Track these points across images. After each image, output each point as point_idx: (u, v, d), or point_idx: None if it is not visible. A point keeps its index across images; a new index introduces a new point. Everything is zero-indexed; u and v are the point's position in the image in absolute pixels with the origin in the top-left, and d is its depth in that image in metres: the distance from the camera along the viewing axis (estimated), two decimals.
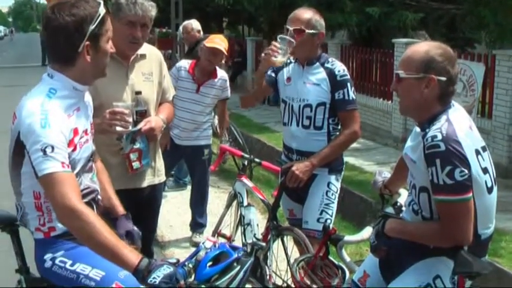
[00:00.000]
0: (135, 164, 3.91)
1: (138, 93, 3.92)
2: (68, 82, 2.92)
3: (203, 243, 2.88)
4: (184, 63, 6.14)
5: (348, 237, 3.50)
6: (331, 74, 4.24)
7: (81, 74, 2.94)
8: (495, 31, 10.78)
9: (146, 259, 2.63)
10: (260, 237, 4.58)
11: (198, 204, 6.56)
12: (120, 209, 3.35)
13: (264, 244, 4.18)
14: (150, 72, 4.07)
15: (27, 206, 3.00)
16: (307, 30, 4.17)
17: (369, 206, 7.06)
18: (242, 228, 4.76)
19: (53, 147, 2.71)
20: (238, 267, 2.81)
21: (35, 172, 2.75)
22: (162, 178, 4.33)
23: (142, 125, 3.85)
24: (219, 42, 5.91)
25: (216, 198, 7.90)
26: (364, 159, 9.72)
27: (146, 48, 4.10)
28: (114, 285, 2.81)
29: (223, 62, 9.59)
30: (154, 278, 2.55)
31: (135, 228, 3.33)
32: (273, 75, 4.47)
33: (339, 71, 4.24)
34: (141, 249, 4.03)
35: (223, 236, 5.33)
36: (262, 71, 4.35)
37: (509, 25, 10.18)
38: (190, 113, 6.06)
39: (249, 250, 3.77)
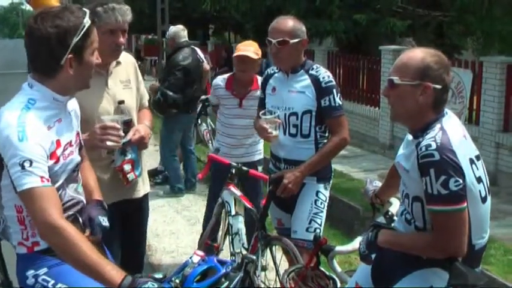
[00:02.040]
0: (130, 176, 3.82)
1: (121, 102, 3.82)
2: (48, 93, 2.83)
3: (190, 258, 2.81)
4: (219, 81, 5.80)
5: (339, 248, 3.43)
6: (316, 80, 4.18)
7: (63, 86, 2.85)
8: (482, 38, 10.82)
9: (129, 277, 2.55)
10: (248, 247, 4.52)
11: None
12: (96, 194, 3.22)
13: (254, 257, 4.10)
14: (128, 80, 3.98)
15: (9, 220, 2.91)
16: (291, 41, 4.12)
17: (357, 213, 7.02)
18: (230, 237, 4.68)
19: (31, 162, 2.63)
20: (227, 282, 2.74)
21: (14, 187, 2.67)
22: (149, 187, 4.26)
23: (131, 135, 3.74)
24: (244, 48, 5.50)
25: (204, 206, 7.68)
26: (351, 166, 9.70)
27: (121, 55, 3.99)
28: None
29: (208, 69, 9.60)
30: None
31: (100, 218, 3.08)
32: (262, 96, 4.49)
33: (323, 78, 4.18)
34: (133, 261, 3.98)
35: (211, 245, 5.25)
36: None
37: (495, 32, 10.22)
38: (237, 129, 5.63)
39: (238, 263, 3.68)
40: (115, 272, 2.56)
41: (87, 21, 2.81)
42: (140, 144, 3.83)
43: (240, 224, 4.68)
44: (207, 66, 9.24)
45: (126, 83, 3.96)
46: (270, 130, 4.19)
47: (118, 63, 3.93)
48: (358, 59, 12.64)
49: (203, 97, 9.26)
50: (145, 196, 4.18)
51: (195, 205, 7.90)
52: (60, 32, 2.75)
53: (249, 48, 5.44)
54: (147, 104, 4.22)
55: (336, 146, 4.25)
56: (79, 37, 2.78)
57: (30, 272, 2.89)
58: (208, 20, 24.98)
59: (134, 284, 2.51)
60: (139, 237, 4.26)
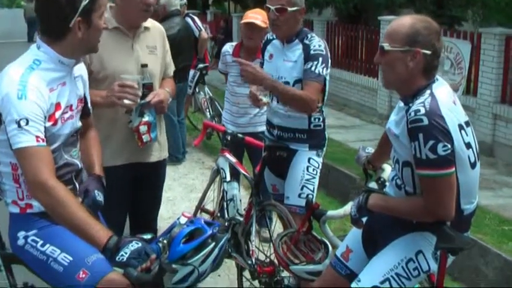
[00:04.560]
0: (145, 137, 3.85)
1: (144, 65, 3.87)
2: (55, 55, 2.87)
3: (178, 219, 2.85)
4: (228, 48, 5.87)
5: (330, 212, 3.48)
6: (306, 49, 4.14)
7: (70, 48, 2.89)
8: (481, 10, 10.78)
9: (115, 237, 2.60)
10: (243, 212, 4.56)
11: None
12: (97, 168, 3.25)
13: (241, 219, 4.16)
14: (154, 46, 4.03)
15: (4, 176, 2.95)
16: (289, 8, 4.10)
17: (353, 182, 7.06)
18: (225, 203, 4.72)
19: (27, 120, 2.67)
20: (213, 243, 2.77)
21: (9, 144, 2.72)
22: (166, 153, 4.29)
23: (151, 98, 3.79)
24: (253, 16, 5.48)
25: (201, 174, 7.87)
26: (349, 136, 9.73)
27: (149, 22, 4.06)
28: (80, 273, 2.75)
29: (206, 37, 9.56)
30: (122, 255, 2.53)
31: (99, 195, 3.12)
32: (262, 61, 4.47)
33: (314, 46, 4.13)
34: (146, 226, 4.03)
35: (207, 211, 5.31)
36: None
37: (495, 4, 10.18)
38: (242, 97, 5.62)
39: (226, 225, 3.74)
40: (101, 233, 2.61)
41: None
42: (158, 107, 3.87)
43: (234, 190, 4.71)
44: (205, 34, 9.19)
45: (152, 49, 4.00)
46: (260, 97, 4.19)
47: (146, 28, 4.00)
48: (357, 29, 12.58)
49: (201, 65, 9.25)
50: (161, 162, 4.21)
51: (192, 173, 7.95)
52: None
53: (257, 16, 5.45)
54: (171, 74, 4.26)
55: (300, 95, 4.08)
56: (87, 1, 2.81)
57: (21, 233, 2.94)
58: None
59: (120, 243, 2.56)
60: (152, 201, 4.32)
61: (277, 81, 4.14)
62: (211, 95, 9.87)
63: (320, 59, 4.10)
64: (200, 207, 5.27)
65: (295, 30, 4.22)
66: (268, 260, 4.33)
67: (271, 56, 4.35)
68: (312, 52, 4.11)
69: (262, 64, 4.46)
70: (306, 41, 4.17)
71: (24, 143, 2.67)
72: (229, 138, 4.86)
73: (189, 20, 8.56)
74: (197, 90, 9.76)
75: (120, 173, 3.84)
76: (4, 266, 3.21)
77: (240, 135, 4.89)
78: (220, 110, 9.41)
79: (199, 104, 9.99)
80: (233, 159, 4.79)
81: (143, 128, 3.85)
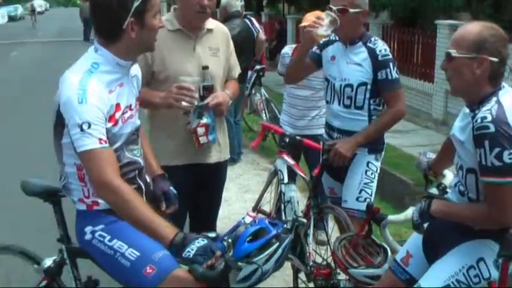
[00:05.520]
0: (202, 139, 3.89)
1: (205, 67, 3.90)
2: (112, 57, 2.93)
3: (243, 219, 2.89)
4: (287, 50, 5.94)
5: (391, 217, 3.47)
6: (373, 53, 4.17)
7: (126, 49, 2.94)
8: None
9: (182, 233, 2.65)
10: (300, 214, 4.58)
11: None
12: (156, 168, 3.36)
13: (305, 220, 4.18)
14: (217, 48, 4.06)
15: (70, 176, 3.03)
16: (351, 10, 4.11)
17: (407, 187, 7.03)
18: (282, 205, 4.75)
19: (89, 124, 2.74)
20: (277, 243, 2.77)
21: (73, 147, 2.80)
22: (227, 155, 4.33)
23: (210, 100, 3.83)
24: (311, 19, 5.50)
25: (256, 175, 7.93)
26: (403, 141, 9.66)
27: (213, 24, 4.11)
28: (147, 268, 2.81)
29: (264, 39, 9.61)
30: (188, 251, 2.57)
31: (172, 188, 3.34)
32: (318, 51, 4.42)
33: (380, 51, 4.17)
34: (206, 225, 4.10)
35: (263, 212, 5.33)
36: (305, 44, 4.28)
37: None
38: (300, 99, 5.71)
39: (289, 226, 3.76)
40: (168, 229, 2.67)
41: None
42: (217, 110, 3.90)
43: (292, 192, 4.73)
44: (262, 36, 9.23)
45: (215, 51, 4.04)
46: (324, 23, 4.03)
47: (209, 30, 4.04)
48: (414, 33, 12.49)
49: (258, 67, 9.30)
50: (222, 163, 4.25)
51: (247, 173, 8.02)
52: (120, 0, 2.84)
53: None
54: (235, 76, 4.29)
55: (391, 119, 4.25)
56: (140, 1, 2.85)
57: (88, 228, 3.01)
58: None
59: (186, 240, 2.61)
60: (212, 202, 4.38)
61: (364, 131, 4.21)
62: (267, 96, 9.91)
63: (390, 64, 4.15)
64: (257, 208, 5.31)
65: (358, 33, 4.24)
66: (325, 262, 4.35)
67: (333, 57, 4.35)
68: (380, 58, 4.14)
69: (313, 54, 4.44)
70: (370, 45, 4.19)
71: (87, 146, 2.74)
72: (287, 140, 4.88)
73: (247, 21, 8.62)
74: (253, 91, 9.81)
75: (180, 173, 3.89)
76: (69, 259, 3.33)
77: (298, 137, 4.91)
78: (276, 111, 9.47)
79: (254, 106, 10.05)
80: (291, 161, 4.82)
81: (201, 130, 3.89)
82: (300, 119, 5.69)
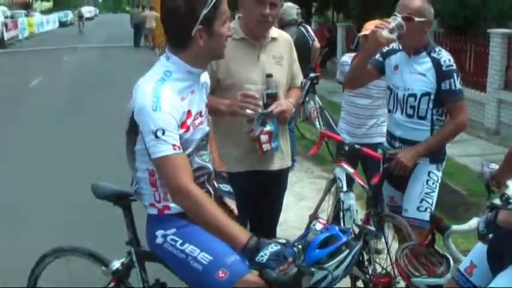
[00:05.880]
0: (266, 146, 3.94)
1: (269, 75, 3.95)
2: (183, 65, 2.98)
3: (314, 225, 2.93)
4: (346, 58, 6.00)
5: (456, 227, 3.49)
6: (437, 64, 4.18)
7: (196, 57, 2.99)
8: None
9: (255, 238, 2.71)
10: (359, 223, 4.61)
11: None
12: (216, 164, 3.42)
13: (373, 229, 4.21)
14: (280, 56, 4.11)
15: (142, 181, 3.10)
16: (416, 18, 4.11)
17: (461, 198, 7.00)
18: (341, 213, 4.79)
19: (163, 131, 2.80)
20: (347, 251, 2.81)
21: (148, 153, 2.87)
22: (289, 163, 4.38)
23: (274, 108, 3.88)
24: (371, 28, 5.38)
25: (310, 183, 7.98)
26: (456, 151, 9.58)
27: (277, 32, 4.17)
28: (220, 272, 2.84)
29: (319, 47, 9.64)
30: (261, 256, 2.64)
31: (224, 186, 3.40)
32: (381, 59, 4.43)
33: (444, 61, 4.18)
34: (266, 231, 4.16)
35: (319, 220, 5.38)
36: (369, 47, 4.25)
37: None
38: (359, 108, 5.75)
39: (357, 234, 3.79)
40: (242, 233, 2.74)
41: None
42: (280, 118, 3.95)
43: (351, 201, 4.77)
44: (317, 44, 9.24)
45: (279, 59, 4.09)
46: (390, 26, 3.99)
47: (274, 39, 4.10)
48: (466, 41, 12.40)
49: (312, 75, 9.33)
50: (284, 170, 4.30)
51: (301, 181, 8.06)
52: (188, 3, 2.88)
53: None
54: (298, 84, 4.33)
55: (453, 130, 4.27)
56: (208, 9, 2.89)
57: (160, 232, 3.07)
58: None
59: (259, 245, 2.67)
60: (273, 208, 4.41)
61: (426, 142, 4.24)
62: (321, 104, 9.92)
63: (454, 74, 4.17)
64: (315, 216, 5.36)
65: (422, 42, 4.25)
66: (384, 271, 4.37)
67: (396, 67, 4.36)
68: (444, 68, 4.16)
69: (376, 61, 4.44)
70: (434, 55, 4.20)
71: (162, 152, 2.81)
72: (346, 148, 4.92)
73: (302, 29, 8.66)
74: (307, 99, 9.85)
75: (243, 179, 3.95)
76: (138, 262, 3.40)
77: (357, 145, 4.94)
78: (330, 119, 9.48)
79: (307, 114, 10.07)
80: (350, 170, 4.85)
81: (264, 137, 3.94)
82: (359, 127, 5.72)
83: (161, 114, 2.82)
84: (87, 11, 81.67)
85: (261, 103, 3.80)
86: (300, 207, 6.89)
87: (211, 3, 2.90)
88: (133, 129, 2.96)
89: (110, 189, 3.51)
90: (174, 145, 2.83)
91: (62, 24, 61.25)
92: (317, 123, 9.71)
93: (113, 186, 3.53)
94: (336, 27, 20.45)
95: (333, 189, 5.21)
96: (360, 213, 4.91)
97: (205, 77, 3.25)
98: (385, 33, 3.97)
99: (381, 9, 17.28)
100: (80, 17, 50.94)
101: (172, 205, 3.04)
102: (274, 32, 4.14)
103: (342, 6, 22.80)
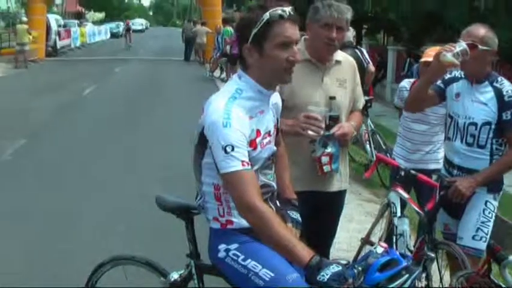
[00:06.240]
0: (326, 168, 3.98)
1: (332, 98, 4.00)
2: (253, 84, 3.04)
3: (375, 249, 2.96)
4: (405, 84, 6.02)
5: None
6: (499, 93, 4.19)
7: (257, 77, 3.05)
8: None
9: (318, 257, 2.73)
10: (412, 248, 4.62)
11: None
12: (288, 191, 3.47)
13: (433, 255, 4.22)
14: (344, 79, 4.15)
15: (207, 195, 3.15)
16: (480, 46, 4.11)
17: (509, 229, 6.91)
18: (394, 238, 4.80)
19: (233, 147, 2.85)
20: (407, 275, 2.81)
21: (216, 168, 2.92)
22: (347, 185, 4.41)
23: (336, 130, 3.92)
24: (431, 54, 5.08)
25: (358, 205, 7.98)
26: (507, 181, 9.46)
27: (342, 56, 4.22)
28: None
29: (373, 70, 9.64)
30: (323, 275, 2.65)
31: (293, 213, 3.42)
32: (442, 86, 4.44)
33: (507, 91, 4.18)
34: (320, 252, 4.20)
35: (372, 244, 5.39)
36: (431, 69, 4.23)
37: None
38: (416, 134, 5.73)
39: (417, 259, 3.79)
40: (305, 251, 2.75)
41: (266, 15, 2.94)
42: (342, 140, 3.99)
43: (405, 226, 4.77)
44: (372, 67, 9.27)
45: (342, 82, 4.13)
46: (454, 51, 3.94)
47: (338, 62, 4.15)
48: None
49: (366, 98, 9.32)
50: (341, 192, 4.34)
51: (350, 203, 7.98)
52: (244, 23, 3.02)
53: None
54: (360, 107, 4.36)
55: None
56: (257, 28, 2.94)
57: (222, 246, 3.12)
58: (362, 19, 24.81)
59: (321, 264, 2.69)
60: (329, 229, 4.45)
61: (485, 171, 4.25)
62: (373, 127, 9.90)
63: None
64: (367, 240, 5.37)
65: (485, 71, 4.27)
66: None
67: (458, 95, 4.37)
68: (506, 99, 4.17)
69: (437, 87, 4.44)
70: (497, 85, 4.22)
71: (231, 168, 2.86)
72: (402, 173, 4.94)
73: (358, 52, 8.69)
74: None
75: (301, 199, 3.98)
76: (197, 275, 3.46)
77: (412, 171, 4.96)
78: (382, 144, 9.46)
79: (358, 136, 10.08)
80: (406, 195, 4.87)
81: (325, 159, 3.97)
82: (414, 152, 5.71)
83: (231, 130, 2.88)
84: (139, 23, 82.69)
85: (323, 125, 3.84)
86: (348, 229, 6.88)
87: (262, 23, 2.95)
88: (202, 143, 3.02)
89: (174, 202, 3.58)
90: (243, 161, 2.88)
91: (113, 35, 62.09)
92: (367, 146, 9.67)
93: (177, 199, 3.60)
94: (387, 50, 20.37)
95: (386, 213, 5.21)
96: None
97: (276, 98, 3.31)
98: (449, 56, 3.95)
99: (430, 33, 17.27)
100: (127, 30, 46.21)
101: (235, 220, 3.10)
102: (339, 55, 4.19)
103: (393, 29, 22.76)
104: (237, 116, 2.92)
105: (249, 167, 2.90)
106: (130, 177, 9.05)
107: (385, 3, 16.85)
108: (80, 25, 48.25)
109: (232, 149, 2.86)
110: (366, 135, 9.76)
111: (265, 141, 3.11)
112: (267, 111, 3.15)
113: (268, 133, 3.16)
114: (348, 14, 3.97)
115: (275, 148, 3.28)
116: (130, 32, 45.42)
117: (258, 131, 3.05)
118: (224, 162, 2.87)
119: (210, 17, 32.44)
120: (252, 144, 3.00)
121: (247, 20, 3.02)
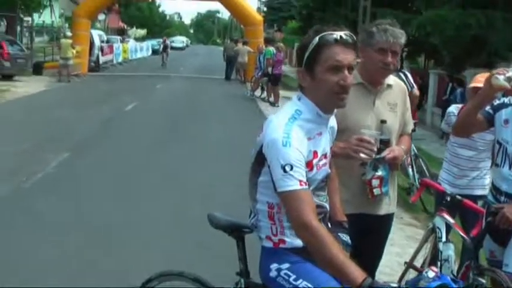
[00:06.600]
0: (376, 191, 4.04)
1: (383, 121, 4.05)
2: (312, 107, 3.10)
3: (426, 273, 2.97)
4: (453, 109, 6.04)
5: None
6: None
7: (313, 100, 3.11)
8: None
9: (370, 279, 2.76)
10: (456, 274, 4.61)
11: None
12: (339, 213, 3.52)
13: (484, 281, 4.21)
14: (395, 103, 4.20)
15: (260, 213, 3.21)
16: None
17: None
18: (439, 263, 4.79)
19: (292, 166, 2.91)
20: None
21: (274, 186, 2.98)
22: (395, 208, 4.44)
23: (386, 153, 3.96)
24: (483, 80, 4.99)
25: (400, 229, 7.95)
26: None
27: (393, 80, 4.27)
28: None
29: (418, 95, 9.62)
30: None
31: (344, 236, 3.46)
32: (491, 112, 4.42)
33: None
34: (367, 274, 4.21)
35: (415, 268, 5.39)
36: (482, 92, 4.19)
37: None
38: (462, 159, 5.75)
39: (468, 285, 3.79)
40: (357, 272, 2.78)
41: (316, 39, 3.01)
42: (392, 164, 4.04)
43: (450, 251, 4.78)
44: (417, 92, 9.25)
45: (393, 106, 4.19)
46: (507, 75, 3.92)
47: (389, 86, 4.20)
48: None
49: None
50: (389, 215, 4.38)
51: (392, 227, 8.01)
52: (300, 47, 3.10)
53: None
54: (409, 131, 4.41)
55: None
56: (309, 52, 3.03)
57: (274, 265, 3.16)
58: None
59: (373, 285, 2.73)
60: (376, 252, 4.48)
61: None
62: (416, 151, 9.86)
63: None
64: (410, 264, 5.37)
65: None
66: None
67: (506, 121, 4.36)
68: None
69: (486, 112, 4.40)
70: None
71: (289, 186, 2.91)
72: (448, 199, 4.94)
73: (402, 75, 8.70)
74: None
75: (350, 221, 4.00)
76: None
77: (458, 197, 4.96)
78: (424, 167, 9.42)
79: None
80: (451, 220, 4.87)
81: (375, 182, 4.02)
82: (460, 178, 5.71)
83: (291, 150, 2.94)
84: (180, 41, 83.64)
85: (375, 148, 3.85)
86: (391, 252, 6.85)
87: (313, 47, 3.03)
88: (259, 161, 3.09)
89: (225, 220, 3.64)
90: (300, 181, 2.93)
91: (155, 52, 62.65)
92: (410, 170, 9.63)
93: (229, 218, 3.66)
94: (428, 74, 20.28)
95: (430, 238, 5.21)
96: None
97: (333, 122, 3.37)
98: (501, 79, 3.93)
99: (472, 57, 17.13)
100: (165, 47, 44.67)
101: (287, 239, 3.15)
102: (391, 79, 4.23)
103: (434, 53, 22.63)
104: (296, 136, 2.98)
105: (307, 186, 2.96)
106: (171, 193, 9.16)
107: (429, 28, 16.75)
108: (122, 41, 48.79)
109: (291, 168, 2.91)
110: (409, 159, 9.71)
111: (321, 163, 3.16)
112: (324, 134, 3.20)
113: (325, 155, 3.21)
114: (402, 38, 4.01)
115: (329, 170, 3.33)
116: (168, 50, 45.13)
117: (315, 153, 3.10)
118: (282, 181, 2.93)
119: (252, 36, 32.72)
120: (309, 165, 3.06)
121: (302, 44, 3.10)
